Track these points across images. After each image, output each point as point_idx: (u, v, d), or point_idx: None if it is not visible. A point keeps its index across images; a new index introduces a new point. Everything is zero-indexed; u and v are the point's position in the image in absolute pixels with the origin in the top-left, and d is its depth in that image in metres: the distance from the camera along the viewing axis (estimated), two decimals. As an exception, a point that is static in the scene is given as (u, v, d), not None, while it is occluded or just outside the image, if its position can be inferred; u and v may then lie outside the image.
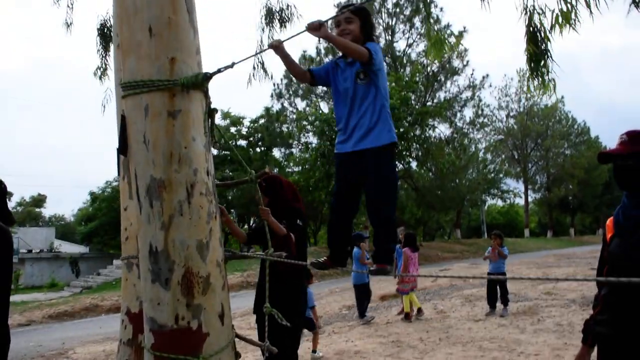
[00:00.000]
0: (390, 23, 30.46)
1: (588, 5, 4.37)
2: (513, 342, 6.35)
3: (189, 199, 2.47)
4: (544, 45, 4.47)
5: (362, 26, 2.64)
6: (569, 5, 4.40)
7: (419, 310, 8.77)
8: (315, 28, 2.37)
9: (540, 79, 4.57)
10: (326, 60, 32.75)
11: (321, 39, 2.70)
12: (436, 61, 31.05)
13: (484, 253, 9.60)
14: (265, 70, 6.81)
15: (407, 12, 30.13)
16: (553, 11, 4.53)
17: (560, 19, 4.33)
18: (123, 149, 2.57)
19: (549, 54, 4.49)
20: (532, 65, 4.58)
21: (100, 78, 6.60)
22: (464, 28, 27.43)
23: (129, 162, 2.61)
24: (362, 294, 9.01)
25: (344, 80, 2.60)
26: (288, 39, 2.58)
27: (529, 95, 44.34)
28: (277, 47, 2.56)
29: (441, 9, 31.04)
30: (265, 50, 2.87)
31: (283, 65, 2.65)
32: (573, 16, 4.30)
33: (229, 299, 2.74)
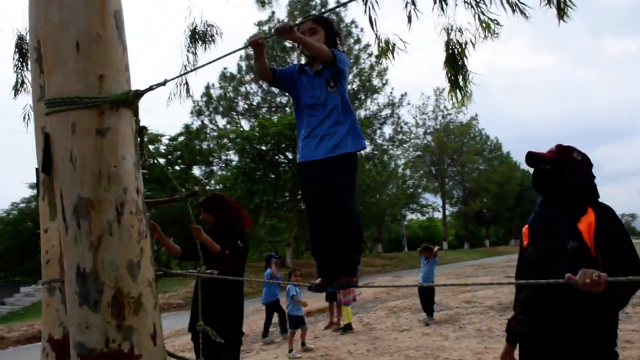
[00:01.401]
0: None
1: (487, 28, 4.80)
2: (437, 349, 6.60)
3: (118, 218, 2.41)
4: (461, 61, 4.84)
5: (327, 37, 2.61)
6: (484, 24, 4.79)
7: (349, 325, 8.91)
8: (286, 31, 2.33)
9: (460, 92, 4.91)
10: (247, 77, 32.72)
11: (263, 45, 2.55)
12: (356, 79, 31.90)
13: (405, 267, 9.94)
14: (188, 90, 6.74)
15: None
16: (467, 30, 4.92)
17: (476, 36, 4.73)
18: (46, 167, 2.48)
19: (466, 69, 4.87)
20: (452, 79, 4.91)
21: (16, 93, 6.26)
22: (381, 47, 28.25)
23: (54, 181, 2.52)
24: (272, 312, 9.10)
25: (313, 88, 2.55)
26: (265, 38, 2.49)
27: (445, 113, 46.62)
28: (261, 44, 2.45)
29: (362, 29, 31.97)
30: (234, 51, 2.71)
31: (255, 60, 2.57)
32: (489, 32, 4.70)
33: (160, 318, 2.69)
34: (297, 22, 2.75)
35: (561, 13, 4.02)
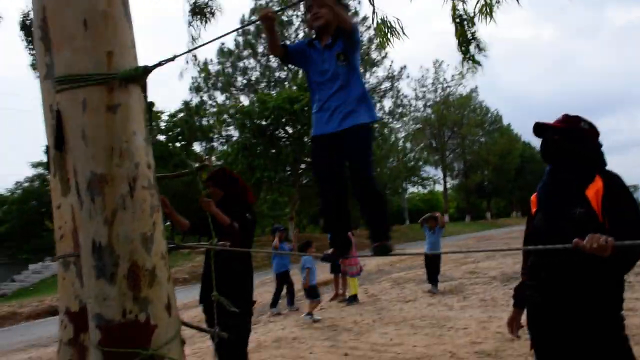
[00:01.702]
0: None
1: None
2: (443, 319, 6.72)
3: (131, 192, 2.46)
4: (470, 31, 4.88)
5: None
6: None
7: (355, 296, 9.03)
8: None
9: (470, 61, 4.95)
10: (245, 53, 32.44)
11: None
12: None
13: (406, 239, 10.11)
14: (198, 64, 6.80)
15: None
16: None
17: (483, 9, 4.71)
18: (59, 144, 2.52)
19: (477, 39, 4.94)
20: (463, 49, 4.94)
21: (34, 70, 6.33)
22: (381, 20, 27.92)
23: (67, 158, 2.56)
24: (283, 282, 9.24)
25: (323, 62, 2.56)
26: (277, 11, 2.48)
27: (445, 85, 46.33)
28: (271, 18, 2.46)
29: (359, 2, 31.56)
30: (245, 25, 2.73)
31: (265, 35, 2.59)
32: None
33: (173, 290, 2.76)
34: None
35: None
